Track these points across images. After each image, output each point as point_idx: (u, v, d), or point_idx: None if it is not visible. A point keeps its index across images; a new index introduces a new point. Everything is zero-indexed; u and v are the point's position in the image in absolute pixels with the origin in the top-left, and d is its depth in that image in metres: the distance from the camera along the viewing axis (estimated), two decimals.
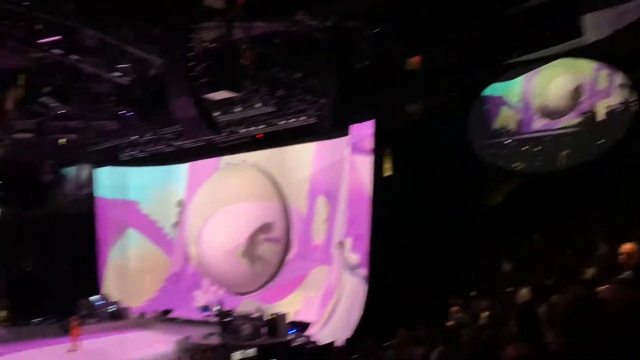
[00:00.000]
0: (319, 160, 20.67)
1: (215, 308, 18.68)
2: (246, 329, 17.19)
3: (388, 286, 15.70)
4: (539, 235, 15.67)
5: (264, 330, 16.89)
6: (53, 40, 14.03)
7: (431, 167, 16.48)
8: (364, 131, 17.82)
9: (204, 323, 19.06)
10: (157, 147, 23.24)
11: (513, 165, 17.89)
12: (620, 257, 5.27)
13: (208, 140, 20.75)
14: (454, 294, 10.97)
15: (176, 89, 14.27)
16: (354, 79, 17.11)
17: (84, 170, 28.35)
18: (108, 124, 22.19)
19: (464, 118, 18.00)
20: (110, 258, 26.15)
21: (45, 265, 25.83)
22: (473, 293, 11.53)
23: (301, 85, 17.83)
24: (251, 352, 14.81)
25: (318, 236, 20.80)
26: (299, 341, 16.98)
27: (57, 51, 14.39)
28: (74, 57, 14.99)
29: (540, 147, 17.55)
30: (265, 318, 17.15)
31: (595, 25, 14.82)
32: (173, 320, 22.98)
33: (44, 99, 16.97)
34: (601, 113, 16.57)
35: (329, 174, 20.19)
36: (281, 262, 21.74)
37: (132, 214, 26.33)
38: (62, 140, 23.74)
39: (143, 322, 22.95)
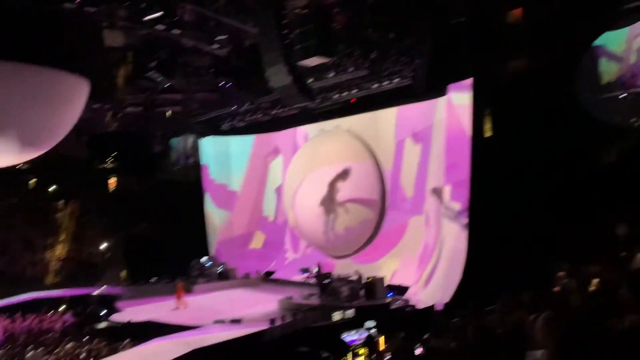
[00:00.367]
0: (414, 123, 20.28)
1: (314, 270, 19.23)
2: (344, 291, 17.59)
3: (488, 247, 15.24)
4: None
5: (362, 292, 17.18)
6: (156, 17, 14.78)
7: (536, 127, 15.55)
8: (461, 91, 17.15)
9: (304, 284, 19.74)
10: (255, 116, 23.96)
11: (631, 121, 16.40)
12: None
13: (302, 107, 21.04)
14: (561, 258, 10.45)
15: (271, 57, 14.56)
16: (450, 36, 16.42)
17: (189, 140, 29.98)
18: (209, 96, 23.21)
19: (572, 73, 16.69)
20: (217, 222, 27.63)
21: (160, 230, 27.90)
22: (582, 258, 10.91)
23: (395, 46, 17.42)
24: (350, 313, 15.15)
25: (409, 186, 20.69)
26: (398, 304, 17.11)
27: (160, 27, 15.16)
28: (175, 31, 15.71)
29: None
30: (363, 281, 17.40)
31: None
32: (275, 281, 24.01)
33: (150, 74, 18.03)
34: None
35: (419, 121, 19.91)
36: (376, 225, 21.81)
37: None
38: (169, 113, 25.21)
39: (248, 282, 24.21)
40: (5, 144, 14.17)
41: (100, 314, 20.91)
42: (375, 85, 19.21)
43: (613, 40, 16.71)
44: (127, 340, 15.71)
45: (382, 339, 12.62)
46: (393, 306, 16.82)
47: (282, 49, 14.04)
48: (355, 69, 18.38)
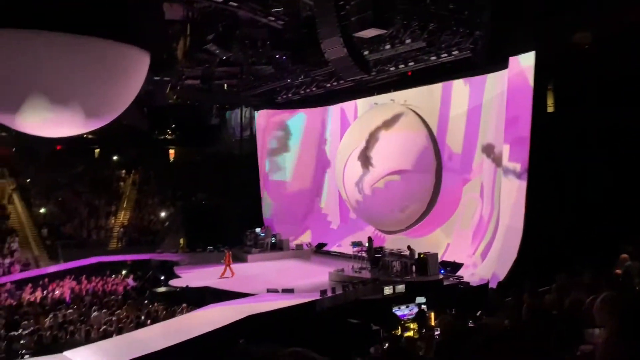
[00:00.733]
0: (474, 98, 19.71)
1: (366, 244, 19.28)
2: (396, 266, 17.58)
3: (547, 222, 14.76)
4: None
5: (413, 268, 17.11)
6: None
7: (600, 102, 14.78)
8: (523, 64, 16.48)
9: (356, 258, 19.85)
10: (309, 90, 23.95)
11: None
12: None
13: (358, 80, 20.81)
14: (624, 240, 10.01)
15: (327, 29, 14.40)
16: (512, 7, 15.73)
17: (245, 113, 30.42)
18: (265, 69, 23.36)
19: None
20: (270, 194, 28.07)
21: (216, 200, 28.67)
22: None
23: (454, 17, 16.86)
24: (401, 287, 15.14)
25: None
26: (450, 281, 16.95)
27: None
28: (233, 4, 15.80)
29: None
30: (416, 257, 17.30)
31: None
32: (327, 253, 24.27)
33: (208, 47, 18.28)
34: None
35: (476, 95, 19.46)
36: (431, 198, 21.48)
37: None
38: (225, 86, 25.63)
39: (300, 253, 24.60)
40: (70, 114, 14.80)
41: (160, 279, 21.84)
42: (433, 58, 18.73)
43: None
44: (184, 304, 16.37)
45: (432, 315, 12.59)
46: (445, 283, 16.69)
47: (338, 20, 13.86)
48: (413, 41, 17.95)
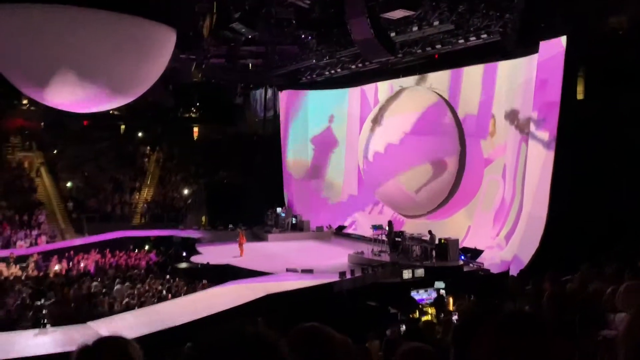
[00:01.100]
0: (504, 83, 19.32)
1: (386, 228, 19.24)
2: (416, 250, 17.53)
3: (571, 207, 14.49)
4: None
5: (433, 253, 17.05)
6: None
7: (634, 89, 14.36)
8: (554, 49, 16.06)
9: (375, 241, 19.84)
10: (334, 71, 23.76)
11: None
12: None
13: (383, 62, 20.57)
14: None
15: (354, 9, 14.25)
16: None
17: (269, 92, 30.40)
18: (290, 49, 23.23)
19: None
20: (293, 174, 28.10)
21: (238, 179, 28.88)
22: None
23: None
24: (420, 272, 15.12)
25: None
26: (471, 267, 16.86)
27: None
28: None
29: None
30: (436, 242, 17.22)
31: None
32: (346, 235, 24.31)
33: (234, 25, 18.21)
34: None
35: (505, 80, 19.11)
36: (454, 182, 21.27)
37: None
38: (250, 65, 25.59)
39: (320, 235, 24.69)
40: (97, 90, 15.00)
41: (182, 255, 22.20)
42: (461, 41, 18.37)
43: None
44: (205, 280, 16.62)
45: (451, 300, 12.55)
46: (465, 269, 16.60)
47: (365, 1, 13.68)
48: (441, 24, 17.61)
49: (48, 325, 11.99)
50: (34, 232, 24.95)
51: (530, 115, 16.76)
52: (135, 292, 15.36)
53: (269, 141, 28.50)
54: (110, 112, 27.91)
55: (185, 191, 30.46)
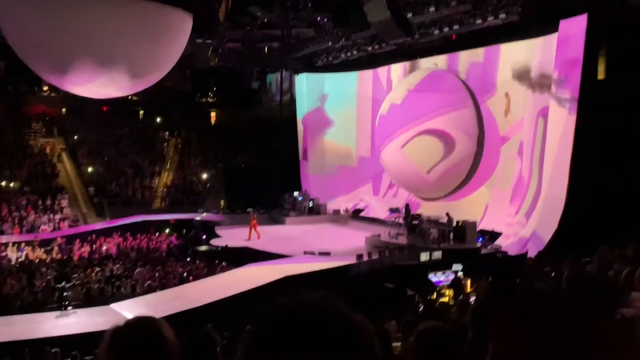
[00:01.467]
0: (519, 64, 19.03)
1: (403, 210, 19.24)
2: (433, 233, 17.52)
3: (591, 186, 14.36)
4: None
5: (451, 235, 17.03)
6: None
7: None
8: (575, 27, 15.75)
9: (392, 224, 19.86)
10: (350, 53, 23.62)
11: None
12: None
13: (400, 43, 20.39)
14: None
15: None
16: None
17: (285, 76, 30.32)
18: (306, 32, 23.12)
19: None
20: (309, 158, 28.16)
21: (256, 163, 29.01)
22: None
23: None
24: (437, 254, 15.14)
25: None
26: (488, 249, 16.83)
27: None
28: None
29: None
30: (454, 224, 17.18)
31: None
32: (363, 219, 24.35)
33: (250, 9, 18.21)
34: None
35: (523, 61, 18.80)
36: (473, 163, 21.14)
37: (326, 119, 27.68)
38: (266, 49, 25.54)
39: (337, 218, 24.78)
40: (116, 76, 15.16)
41: (202, 238, 22.49)
42: (479, 21, 18.11)
43: None
44: (224, 263, 16.86)
45: (468, 282, 12.60)
46: (483, 251, 16.58)
47: None
48: (458, 4, 17.38)
49: (70, 307, 12.33)
50: (57, 217, 25.45)
51: (550, 75, 16.50)
52: (157, 275, 15.65)
53: (286, 125, 28.52)
54: (129, 97, 28.17)
55: (204, 175, 30.72)
